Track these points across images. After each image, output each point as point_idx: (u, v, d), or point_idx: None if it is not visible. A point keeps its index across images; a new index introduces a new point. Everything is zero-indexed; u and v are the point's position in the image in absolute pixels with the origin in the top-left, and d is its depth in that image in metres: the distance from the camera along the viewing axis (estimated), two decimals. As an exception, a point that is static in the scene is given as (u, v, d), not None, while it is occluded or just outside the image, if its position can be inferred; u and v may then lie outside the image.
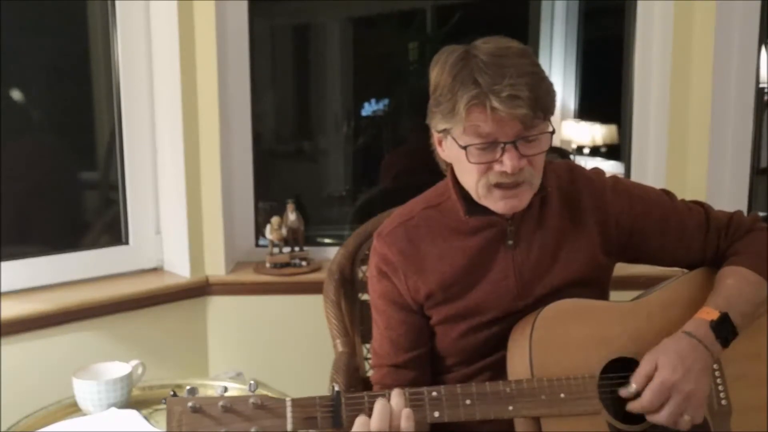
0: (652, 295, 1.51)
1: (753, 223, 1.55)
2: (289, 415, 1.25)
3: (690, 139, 2.36)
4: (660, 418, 1.34)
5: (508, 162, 1.35)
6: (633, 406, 1.36)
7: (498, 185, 1.38)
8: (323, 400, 1.28)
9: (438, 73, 1.40)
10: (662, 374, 1.34)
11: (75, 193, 2.55)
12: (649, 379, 1.35)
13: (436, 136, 1.46)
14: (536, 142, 1.37)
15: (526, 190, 1.40)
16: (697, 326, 1.40)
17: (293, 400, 1.26)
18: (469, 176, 1.41)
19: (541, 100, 1.34)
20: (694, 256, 1.55)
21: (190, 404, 1.23)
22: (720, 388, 1.45)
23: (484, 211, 1.46)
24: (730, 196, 2.38)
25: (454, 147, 1.40)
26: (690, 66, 2.33)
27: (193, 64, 2.27)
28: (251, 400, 1.24)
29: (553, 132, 1.39)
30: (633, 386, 1.36)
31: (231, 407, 1.23)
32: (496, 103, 1.30)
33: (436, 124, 1.41)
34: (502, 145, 1.35)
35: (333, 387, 1.31)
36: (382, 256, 1.53)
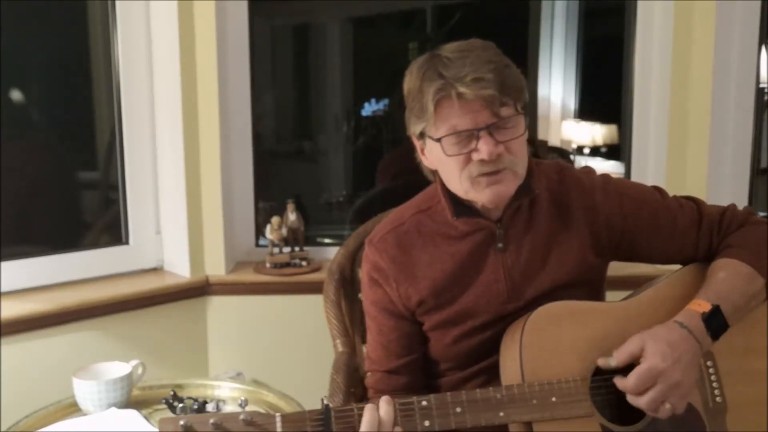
0: (642, 294, 1.50)
1: (746, 216, 1.54)
2: (279, 430, 1.25)
3: (690, 139, 2.36)
4: (641, 402, 1.34)
5: (484, 147, 1.35)
6: (618, 383, 1.36)
7: (480, 175, 1.39)
8: (312, 414, 1.28)
9: (408, 80, 1.42)
10: (651, 361, 1.33)
11: (75, 193, 2.55)
12: (632, 358, 1.35)
13: (418, 146, 1.47)
14: (511, 128, 1.37)
15: (510, 177, 1.40)
16: (689, 317, 1.39)
17: (283, 416, 1.27)
18: (451, 173, 1.42)
19: (507, 83, 1.35)
20: (687, 253, 1.54)
21: (181, 422, 1.23)
22: (714, 385, 1.44)
23: (472, 212, 1.46)
24: (730, 196, 2.37)
25: (433, 147, 1.41)
26: (690, 66, 2.33)
27: (193, 64, 2.27)
28: (241, 417, 1.25)
29: (526, 115, 1.39)
30: (614, 360, 1.36)
31: (221, 424, 1.24)
32: (462, 89, 1.32)
33: (414, 128, 1.43)
34: (476, 132, 1.35)
35: (322, 401, 1.30)
36: (373, 264, 1.53)
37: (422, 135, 1.43)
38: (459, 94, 1.33)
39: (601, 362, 1.37)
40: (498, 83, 1.33)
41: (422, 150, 1.47)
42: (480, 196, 1.41)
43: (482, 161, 1.36)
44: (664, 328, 1.38)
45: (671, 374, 1.33)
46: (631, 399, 1.35)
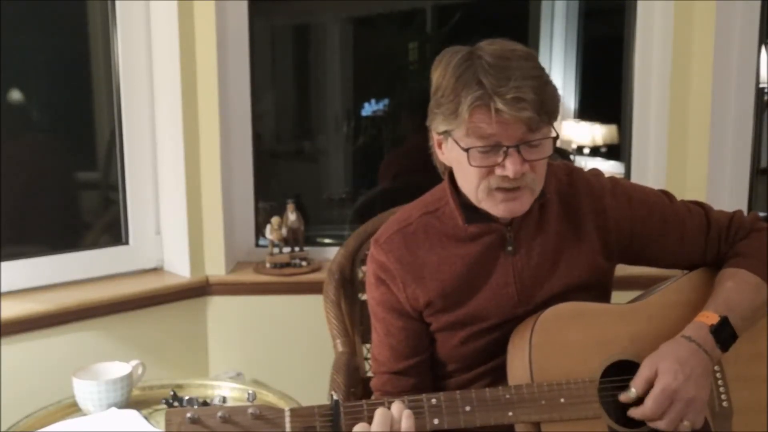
0: (651, 296, 1.50)
1: (753, 223, 1.54)
2: (287, 425, 1.24)
3: (690, 139, 2.36)
4: (661, 424, 1.34)
5: (510, 166, 1.32)
6: (635, 413, 1.36)
7: (498, 189, 1.37)
8: (322, 410, 1.27)
9: (440, 74, 1.37)
10: (663, 381, 1.33)
11: (75, 193, 2.55)
12: (650, 383, 1.34)
13: (435, 139, 1.44)
14: (539, 147, 1.35)
15: (527, 195, 1.38)
16: (697, 330, 1.39)
17: (292, 410, 1.26)
18: (469, 179, 1.39)
19: (546, 103, 1.32)
20: (694, 258, 1.54)
21: (188, 415, 1.21)
22: (721, 389, 1.44)
23: (483, 218, 1.44)
24: (730, 196, 2.38)
25: (455, 149, 1.38)
26: (690, 66, 2.33)
27: (193, 64, 2.27)
28: (250, 411, 1.23)
29: (556, 137, 1.38)
30: (633, 391, 1.36)
31: (229, 418, 1.23)
32: (500, 105, 1.28)
33: (437, 125, 1.39)
34: (504, 148, 1.32)
35: (332, 396, 1.29)
36: (379, 264, 1.51)
37: (446, 133, 1.39)
38: (497, 110, 1.29)
39: (623, 398, 1.37)
40: (537, 103, 1.30)
41: (440, 145, 1.44)
42: (494, 209, 1.40)
43: (504, 177, 1.34)
44: (672, 345, 1.38)
45: (685, 391, 1.33)
46: (651, 423, 1.35)
